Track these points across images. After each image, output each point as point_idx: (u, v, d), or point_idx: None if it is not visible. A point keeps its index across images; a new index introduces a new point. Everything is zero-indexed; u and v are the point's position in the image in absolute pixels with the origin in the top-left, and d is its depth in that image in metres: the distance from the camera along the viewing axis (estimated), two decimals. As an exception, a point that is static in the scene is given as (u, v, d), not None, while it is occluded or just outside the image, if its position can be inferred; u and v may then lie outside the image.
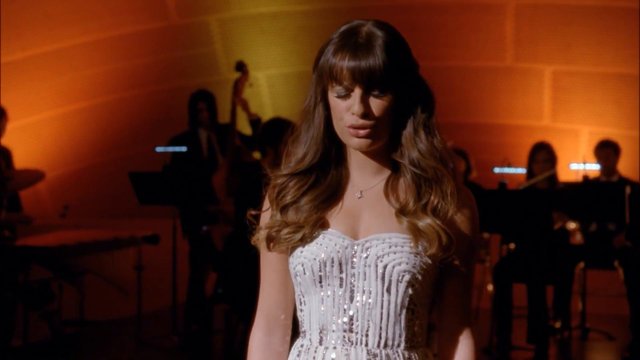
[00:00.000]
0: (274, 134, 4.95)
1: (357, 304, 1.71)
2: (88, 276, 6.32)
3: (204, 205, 6.16)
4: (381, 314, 1.71)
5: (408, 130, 1.72)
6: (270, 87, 8.86)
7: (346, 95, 1.68)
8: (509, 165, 6.51)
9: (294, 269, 1.75)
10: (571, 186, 6.38)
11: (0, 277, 5.60)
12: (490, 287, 6.65)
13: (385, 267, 1.69)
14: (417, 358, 1.74)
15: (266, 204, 1.80)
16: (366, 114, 1.67)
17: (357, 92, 1.67)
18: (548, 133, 8.20)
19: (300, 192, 1.75)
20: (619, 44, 8.11)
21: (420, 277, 1.70)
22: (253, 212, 1.81)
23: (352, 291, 1.71)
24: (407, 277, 1.69)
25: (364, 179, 1.77)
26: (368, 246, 1.71)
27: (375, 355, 1.71)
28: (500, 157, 6.95)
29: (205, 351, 5.85)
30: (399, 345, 1.72)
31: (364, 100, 1.67)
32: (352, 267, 1.71)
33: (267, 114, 8.08)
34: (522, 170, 6.52)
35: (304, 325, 1.77)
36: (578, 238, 6.71)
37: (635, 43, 7.90)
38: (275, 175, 1.78)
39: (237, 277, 5.00)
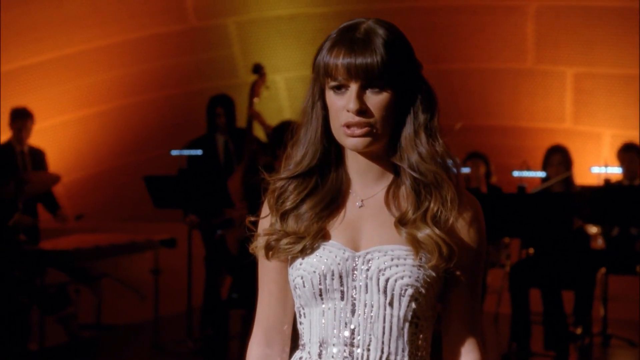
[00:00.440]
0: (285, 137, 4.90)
1: (359, 317, 1.65)
2: (105, 280, 6.33)
3: (220, 209, 6.12)
4: (383, 327, 1.65)
5: (408, 132, 1.64)
6: (289, 90, 8.83)
7: (343, 93, 1.62)
8: (528, 169, 6.44)
9: (293, 281, 1.70)
10: (592, 190, 6.29)
11: (17, 281, 5.60)
12: (510, 292, 6.57)
13: (387, 280, 1.64)
14: (421, 372, 1.68)
15: (265, 210, 1.75)
16: (363, 111, 1.60)
17: (352, 88, 1.60)
18: (569, 136, 8.11)
19: (300, 197, 1.69)
20: (642, 46, 8.01)
21: (423, 291, 1.64)
22: (252, 219, 1.75)
23: (353, 304, 1.66)
24: (410, 291, 1.63)
25: (365, 186, 1.70)
26: (369, 258, 1.65)
27: (377, 370, 1.65)
28: (520, 160, 6.87)
29: (221, 356, 5.82)
30: (401, 360, 1.66)
31: (360, 97, 1.60)
32: (353, 280, 1.66)
33: (285, 117, 8.04)
34: (541, 174, 6.44)
35: (304, 338, 1.72)
36: (600, 243, 6.62)
37: (657, 44, 7.81)
38: (274, 179, 1.73)
39: (252, 282, 4.95)
